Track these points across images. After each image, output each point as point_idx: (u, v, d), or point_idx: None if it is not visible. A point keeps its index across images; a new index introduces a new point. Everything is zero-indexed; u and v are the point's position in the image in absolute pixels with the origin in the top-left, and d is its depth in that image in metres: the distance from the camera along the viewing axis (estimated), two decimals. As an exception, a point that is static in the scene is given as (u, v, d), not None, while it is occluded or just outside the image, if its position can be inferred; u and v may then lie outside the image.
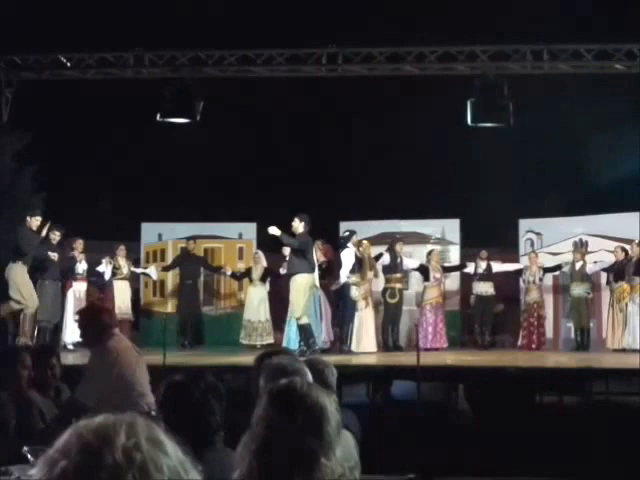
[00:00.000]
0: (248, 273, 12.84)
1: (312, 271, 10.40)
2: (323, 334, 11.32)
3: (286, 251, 11.33)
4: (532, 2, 11.83)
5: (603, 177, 12.65)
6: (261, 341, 12.32)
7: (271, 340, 12.40)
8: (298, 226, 10.41)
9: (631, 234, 12.07)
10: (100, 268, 12.23)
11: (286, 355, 3.63)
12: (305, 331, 10.35)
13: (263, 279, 12.63)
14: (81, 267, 12.01)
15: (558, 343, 12.85)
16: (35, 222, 11.00)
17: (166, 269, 13.22)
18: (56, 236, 11.43)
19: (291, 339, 10.79)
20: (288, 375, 2.74)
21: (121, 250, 12.48)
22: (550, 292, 13.00)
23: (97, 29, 12.21)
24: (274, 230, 10.40)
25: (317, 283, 10.97)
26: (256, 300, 12.56)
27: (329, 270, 11.77)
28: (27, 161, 12.91)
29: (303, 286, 10.28)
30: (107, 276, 12.28)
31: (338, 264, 11.43)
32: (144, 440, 1.15)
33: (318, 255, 11.49)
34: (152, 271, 13.01)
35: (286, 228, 10.60)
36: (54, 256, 11.09)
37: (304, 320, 10.33)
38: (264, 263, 12.66)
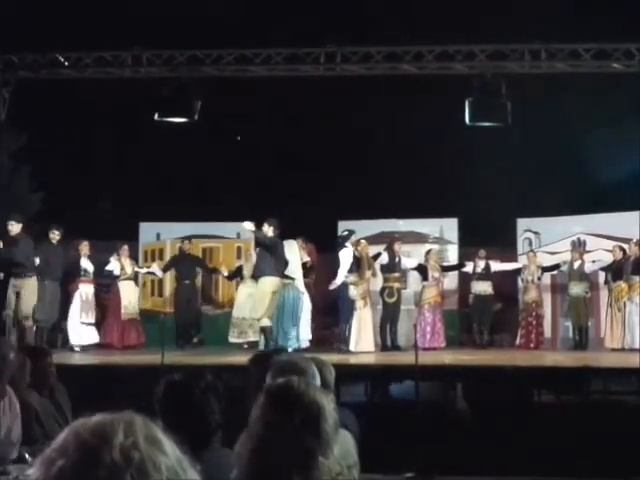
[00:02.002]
0: (239, 271, 12.85)
1: (278, 274, 10.49)
2: (301, 334, 11.31)
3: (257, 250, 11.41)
4: (530, 1, 11.83)
5: (601, 176, 12.65)
6: (246, 338, 12.26)
7: (257, 338, 12.37)
8: (267, 230, 10.54)
9: (629, 233, 12.07)
10: (109, 267, 12.23)
11: (294, 354, 3.64)
12: (265, 333, 10.46)
13: (254, 277, 12.61)
14: (87, 268, 11.98)
15: (556, 342, 12.86)
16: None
17: (163, 270, 13.21)
18: (55, 235, 11.42)
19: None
20: (296, 373, 2.74)
21: (124, 250, 12.43)
22: (548, 291, 13.00)
23: (95, 28, 12.18)
24: (249, 225, 10.53)
25: (301, 283, 11.06)
26: (246, 297, 12.54)
27: (312, 269, 11.79)
28: (24, 160, 12.90)
29: (269, 289, 10.37)
30: (117, 272, 12.27)
31: (336, 263, 11.43)
32: (142, 439, 1.14)
33: (302, 254, 11.54)
34: (156, 269, 13.01)
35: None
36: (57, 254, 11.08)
37: (264, 322, 10.44)
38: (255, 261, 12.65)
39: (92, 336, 11.97)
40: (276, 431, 1.93)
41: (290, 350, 9.97)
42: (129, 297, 12.40)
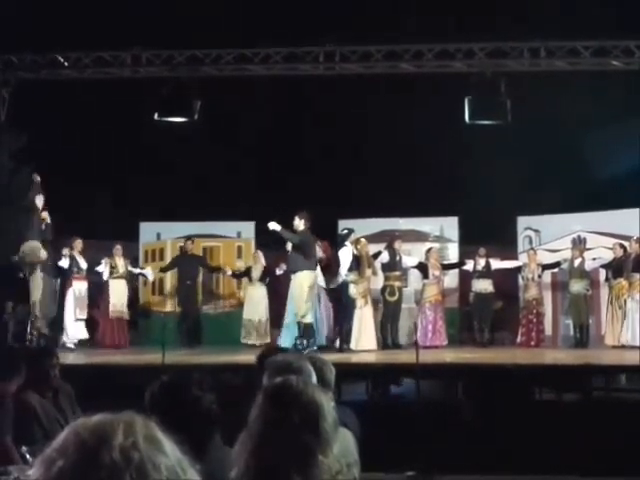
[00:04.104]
0: (248, 272, 12.87)
1: (313, 268, 10.42)
2: (325, 332, 11.34)
3: (289, 247, 11.33)
4: (529, -1, 11.84)
5: (601, 174, 12.64)
6: (261, 340, 12.35)
7: (268, 339, 12.43)
8: (299, 224, 10.45)
9: (629, 231, 12.07)
10: (99, 268, 12.27)
11: (290, 353, 3.65)
12: (307, 330, 10.37)
13: (262, 279, 12.66)
14: (81, 266, 12.02)
15: (557, 340, 12.86)
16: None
17: (164, 270, 13.21)
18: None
19: (287, 338, 10.79)
20: (292, 373, 2.74)
21: (117, 249, 12.47)
22: (549, 289, 13.00)
23: (94, 28, 12.18)
24: (274, 225, 10.42)
25: (321, 281, 11.02)
26: (256, 299, 12.59)
27: (327, 267, 11.78)
28: (25, 160, 12.89)
29: (306, 284, 10.28)
30: (105, 276, 12.30)
31: (336, 262, 11.43)
32: (142, 439, 1.14)
33: (319, 252, 11.53)
34: (148, 272, 13.01)
35: (285, 227, 10.64)
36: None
37: (308, 319, 10.34)
38: (263, 262, 12.71)
39: (82, 332, 12.03)
40: (275, 430, 1.94)
41: (315, 347, 10.01)
42: (118, 296, 12.41)
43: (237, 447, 2.02)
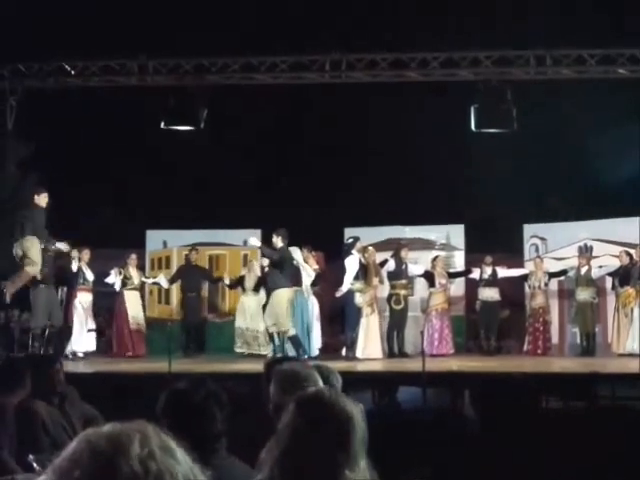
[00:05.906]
0: (241, 282, 12.80)
1: (291, 285, 10.56)
2: (313, 342, 11.35)
3: (265, 262, 11.54)
4: (535, 7, 11.85)
5: (607, 181, 12.63)
6: (259, 350, 12.23)
7: (263, 351, 12.32)
8: (276, 241, 10.64)
9: (636, 238, 12.05)
10: (109, 279, 12.17)
11: (295, 362, 3.63)
12: (294, 342, 10.54)
13: (256, 288, 12.56)
14: (87, 277, 11.96)
15: (564, 348, 12.82)
16: (44, 199, 10.93)
17: (171, 281, 13.19)
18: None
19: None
20: (301, 382, 2.72)
21: (132, 260, 12.37)
22: (555, 297, 12.97)
23: (101, 37, 12.23)
24: (254, 241, 10.68)
25: (309, 291, 11.12)
26: (250, 309, 12.48)
27: (321, 278, 11.82)
28: (31, 169, 12.92)
29: (284, 300, 10.47)
30: (117, 287, 12.23)
31: (342, 271, 11.43)
32: (157, 449, 1.14)
33: (311, 263, 11.57)
34: (162, 280, 12.97)
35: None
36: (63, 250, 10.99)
37: (292, 332, 10.58)
38: (257, 272, 12.61)
39: (91, 343, 11.97)
40: (303, 441, 1.91)
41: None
42: (135, 307, 12.37)
43: (264, 453, 2.01)
